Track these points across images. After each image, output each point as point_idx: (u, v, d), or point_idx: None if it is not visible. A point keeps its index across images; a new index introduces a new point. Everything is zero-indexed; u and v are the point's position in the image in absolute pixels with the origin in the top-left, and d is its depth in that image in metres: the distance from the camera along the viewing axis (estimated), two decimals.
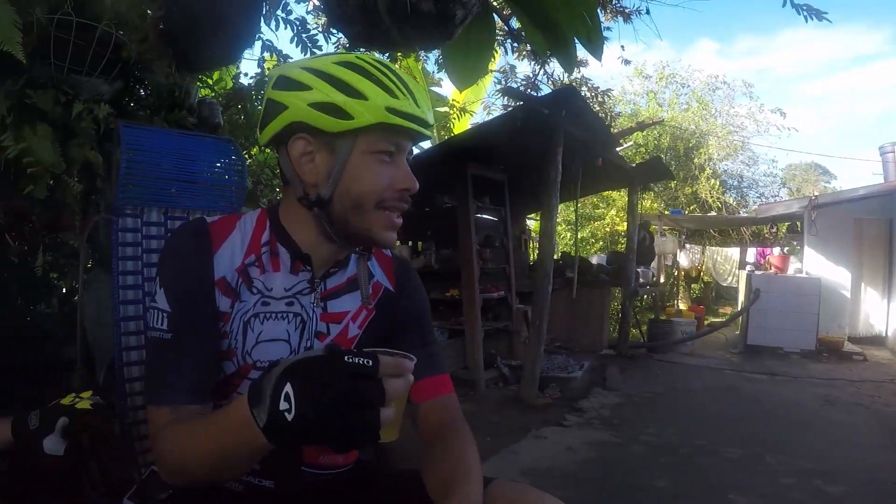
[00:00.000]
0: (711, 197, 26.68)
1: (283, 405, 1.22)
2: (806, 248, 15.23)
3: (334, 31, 5.72)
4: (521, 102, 9.02)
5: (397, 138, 1.69)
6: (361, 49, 3.36)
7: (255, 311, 1.79)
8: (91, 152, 3.63)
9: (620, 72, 43.41)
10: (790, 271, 14.84)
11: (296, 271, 1.83)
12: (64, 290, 4.92)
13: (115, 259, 2.52)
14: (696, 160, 27.28)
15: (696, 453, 6.34)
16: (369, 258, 1.96)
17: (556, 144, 8.35)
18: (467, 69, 4.03)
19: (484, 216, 10.64)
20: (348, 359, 1.21)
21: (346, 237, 1.76)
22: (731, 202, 28.82)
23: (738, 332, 14.72)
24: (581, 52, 3.94)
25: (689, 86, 30.57)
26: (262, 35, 4.66)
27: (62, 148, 3.51)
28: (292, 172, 1.73)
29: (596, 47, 3.71)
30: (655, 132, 26.54)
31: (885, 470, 5.91)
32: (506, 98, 12.78)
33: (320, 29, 5.48)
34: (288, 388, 1.23)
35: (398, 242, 10.14)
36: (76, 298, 4.45)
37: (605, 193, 23.57)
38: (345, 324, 1.90)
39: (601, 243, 25.37)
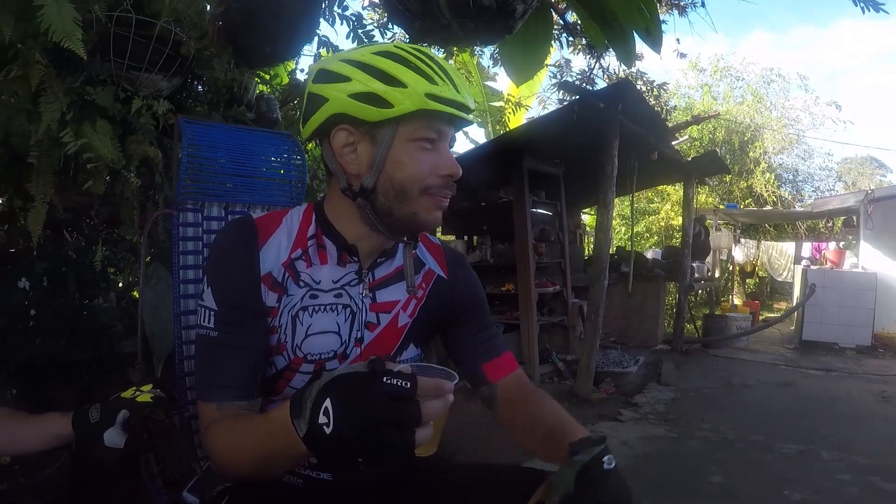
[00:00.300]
0: (766, 191, 26.43)
1: (322, 419, 1.25)
2: (862, 242, 14.97)
3: (390, 26, 5.74)
4: (577, 96, 9.00)
5: (438, 125, 1.70)
6: (421, 44, 3.36)
7: (303, 305, 1.81)
8: (150, 148, 3.68)
9: (675, 65, 43.22)
10: (846, 266, 14.67)
11: (343, 263, 1.85)
12: (121, 285, 4.97)
13: (176, 253, 2.56)
14: (751, 154, 27.04)
15: (751, 448, 6.32)
16: (416, 247, 1.97)
17: (611, 138, 8.33)
18: (525, 63, 4.04)
19: (539, 210, 10.62)
20: (387, 380, 1.22)
21: (391, 226, 1.77)
22: (787, 196, 28.52)
23: (793, 328, 14.62)
24: (637, 46, 3.92)
25: (743, 79, 30.34)
26: (318, 31, 4.69)
27: (121, 143, 3.56)
28: (335, 164, 1.75)
29: (655, 40, 3.70)
30: (710, 126, 26.33)
31: None
32: (561, 92, 12.76)
33: (376, 24, 5.50)
34: (328, 402, 1.25)
35: (453, 237, 10.18)
36: (134, 293, 4.51)
37: (660, 188, 23.52)
38: (395, 313, 1.92)
39: (656, 238, 25.25)
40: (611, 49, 4.45)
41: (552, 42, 9.38)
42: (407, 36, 3.54)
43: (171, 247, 2.61)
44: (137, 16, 3.41)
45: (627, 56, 4.06)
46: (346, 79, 1.64)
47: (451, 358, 2.08)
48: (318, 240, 1.84)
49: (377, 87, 1.61)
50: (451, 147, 1.78)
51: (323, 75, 1.71)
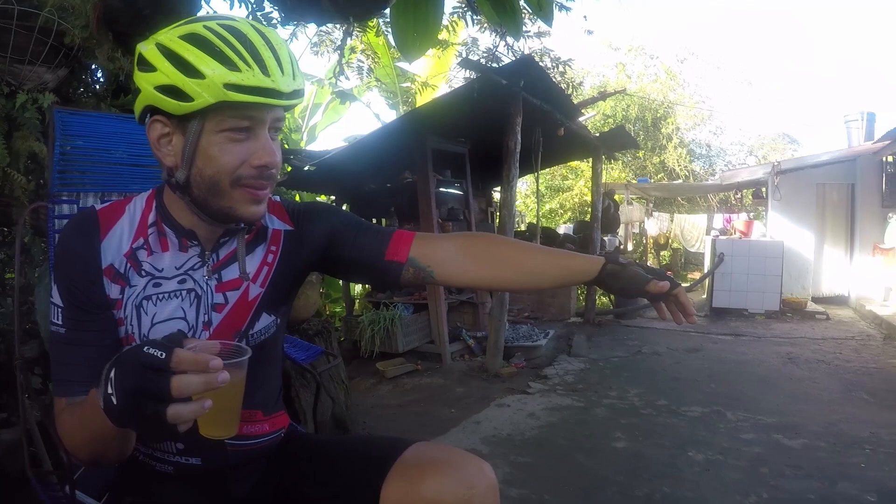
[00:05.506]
0: (679, 166, 26.87)
1: (109, 390, 1.27)
2: (770, 212, 15.58)
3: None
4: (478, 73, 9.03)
5: (251, 112, 1.62)
6: (296, 24, 3.36)
7: (147, 294, 1.79)
8: (36, 143, 3.63)
9: (590, 44, 43.60)
10: (755, 236, 15.08)
11: (185, 248, 1.83)
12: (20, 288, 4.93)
13: (52, 246, 2.56)
14: (663, 130, 27.45)
15: (657, 413, 6.45)
16: (249, 230, 1.91)
17: (514, 115, 8.37)
18: (416, 39, 4.05)
19: (449, 190, 10.69)
20: (146, 349, 1.24)
21: (214, 217, 1.76)
22: (699, 170, 29.02)
23: (704, 296, 14.87)
24: (543, 25, 3.98)
25: (657, 57, 30.67)
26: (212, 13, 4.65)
27: (6, 140, 3.52)
28: (155, 155, 1.72)
29: (546, 14, 3.75)
30: (623, 102, 26.68)
31: (842, 423, 6.05)
32: (467, 71, 12.79)
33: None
34: (112, 374, 1.28)
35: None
36: (33, 296, 4.49)
37: (574, 164, 23.81)
38: (244, 288, 1.90)
39: (570, 213, 25.52)
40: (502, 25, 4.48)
41: (458, 20, 9.46)
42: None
43: (47, 240, 2.62)
44: (20, 7, 3.37)
45: (517, 31, 4.11)
46: (153, 69, 1.59)
47: (355, 279, 2.07)
48: (159, 227, 1.81)
49: (177, 78, 1.55)
50: (277, 131, 1.73)
51: (140, 61, 1.64)
